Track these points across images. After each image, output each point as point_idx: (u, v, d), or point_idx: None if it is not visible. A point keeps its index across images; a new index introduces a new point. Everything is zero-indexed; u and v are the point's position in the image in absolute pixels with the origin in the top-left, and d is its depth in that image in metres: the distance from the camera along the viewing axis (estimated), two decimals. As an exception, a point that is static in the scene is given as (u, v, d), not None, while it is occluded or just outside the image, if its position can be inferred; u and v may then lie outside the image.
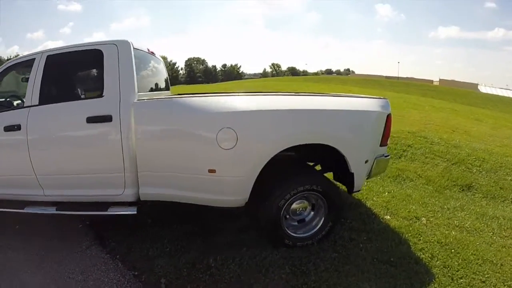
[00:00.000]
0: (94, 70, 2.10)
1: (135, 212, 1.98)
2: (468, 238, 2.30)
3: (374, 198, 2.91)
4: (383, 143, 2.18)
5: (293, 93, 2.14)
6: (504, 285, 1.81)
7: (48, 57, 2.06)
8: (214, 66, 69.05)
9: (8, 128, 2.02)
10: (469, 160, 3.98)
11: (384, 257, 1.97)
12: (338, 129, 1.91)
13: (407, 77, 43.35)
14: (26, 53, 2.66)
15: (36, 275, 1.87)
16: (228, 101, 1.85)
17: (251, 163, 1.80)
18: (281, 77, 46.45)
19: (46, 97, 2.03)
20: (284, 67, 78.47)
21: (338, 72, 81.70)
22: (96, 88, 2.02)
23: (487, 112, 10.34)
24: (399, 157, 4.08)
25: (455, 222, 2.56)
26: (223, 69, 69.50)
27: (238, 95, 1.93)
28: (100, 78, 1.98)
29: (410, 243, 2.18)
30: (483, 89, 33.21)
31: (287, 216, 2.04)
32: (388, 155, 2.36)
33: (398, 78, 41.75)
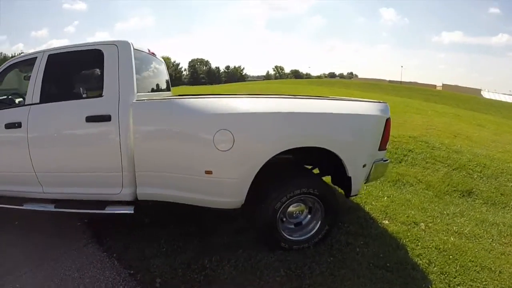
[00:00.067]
0: (95, 70, 2.12)
1: (132, 212, 1.98)
2: (467, 245, 2.27)
3: (373, 203, 2.88)
4: (382, 147, 2.16)
5: (291, 96, 2.13)
6: (502, 293, 1.78)
7: (50, 56, 2.08)
8: (218, 68, 69.13)
9: (9, 126, 2.04)
10: (470, 165, 3.94)
11: (381, 262, 1.95)
12: (336, 132, 1.90)
13: (410, 82, 43.15)
14: (31, 51, 2.70)
15: (33, 272, 1.87)
16: (225, 102, 1.86)
17: (247, 165, 1.79)
18: (284, 80, 46.35)
19: (46, 96, 2.05)
20: (287, 70, 78.48)
21: (341, 76, 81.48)
22: (96, 88, 2.03)
23: (489, 118, 10.22)
24: (400, 162, 4.05)
25: (454, 228, 2.53)
26: (226, 70, 69.40)
27: (236, 97, 1.93)
28: (100, 78, 1.99)
29: (408, 249, 2.15)
30: (486, 94, 32.92)
31: (284, 219, 2.03)
32: (387, 160, 2.33)
33: (401, 82, 41.57)
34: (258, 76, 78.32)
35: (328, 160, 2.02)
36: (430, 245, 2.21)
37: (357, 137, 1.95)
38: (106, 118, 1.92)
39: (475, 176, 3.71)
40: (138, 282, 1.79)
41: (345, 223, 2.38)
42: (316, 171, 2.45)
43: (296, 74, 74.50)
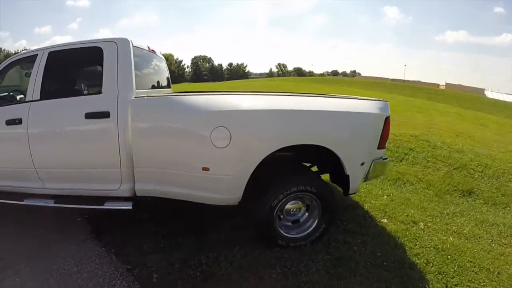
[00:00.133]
0: (94, 67, 2.11)
1: (131, 207, 1.97)
2: (466, 245, 2.23)
3: (372, 201, 2.84)
4: (381, 146, 2.12)
5: (289, 94, 2.10)
6: (500, 294, 1.75)
7: (50, 53, 2.08)
8: (220, 65, 68.42)
9: (10, 122, 2.05)
10: (471, 165, 3.88)
11: (378, 261, 1.92)
12: (334, 130, 1.87)
13: (413, 80, 42.61)
14: (34, 47, 2.70)
15: (33, 266, 1.88)
16: (223, 100, 1.84)
17: (244, 162, 1.78)
18: (286, 77, 46.03)
19: (47, 92, 2.05)
20: (290, 68, 77.70)
21: (344, 74, 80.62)
22: (95, 85, 2.03)
23: (492, 118, 10.06)
24: (400, 161, 4.00)
25: (454, 228, 2.49)
26: (229, 67, 68.69)
27: (233, 95, 1.91)
28: (99, 75, 1.98)
29: (406, 248, 2.12)
30: (489, 94, 32.41)
31: (281, 216, 2.01)
32: (386, 158, 2.30)
33: (404, 81, 41.08)
34: (261, 73, 77.89)
35: (326, 158, 1.99)
36: (428, 244, 2.18)
37: (355, 135, 1.92)
38: (105, 115, 1.91)
39: (476, 176, 3.65)
40: (135, 277, 1.79)
41: (344, 221, 2.36)
42: (314, 169, 2.42)
43: (299, 72, 73.71)
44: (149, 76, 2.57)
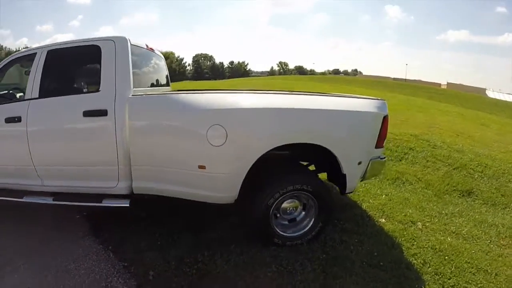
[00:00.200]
0: (92, 65, 2.10)
1: (128, 205, 1.96)
2: (464, 245, 2.20)
3: (371, 200, 2.81)
4: (379, 145, 2.08)
5: (287, 92, 2.07)
6: (498, 296, 1.72)
7: (49, 52, 2.07)
8: (222, 63, 67.42)
9: (9, 120, 2.04)
10: (471, 165, 3.82)
11: (374, 260, 1.90)
12: (330, 129, 1.84)
13: (414, 80, 42.20)
14: (35, 45, 2.68)
15: (31, 262, 1.88)
16: (219, 98, 1.81)
17: (240, 160, 1.75)
18: (287, 76, 45.63)
19: (45, 91, 2.04)
20: (291, 66, 76.83)
21: (345, 73, 79.72)
22: (93, 83, 2.01)
23: (493, 118, 9.91)
24: (400, 160, 3.95)
25: (452, 228, 2.45)
26: (230, 66, 67.74)
27: (230, 93, 1.88)
28: (97, 73, 1.97)
29: (403, 248, 2.09)
30: (491, 94, 32.00)
31: (278, 215, 1.99)
32: (384, 158, 2.26)
33: (405, 80, 40.71)
34: (262, 71, 77.06)
35: (323, 157, 1.96)
36: (426, 245, 2.15)
37: (352, 134, 1.89)
38: (102, 113, 1.90)
39: (476, 176, 3.60)
40: (132, 275, 1.78)
41: (341, 221, 2.33)
42: (312, 167, 2.39)
43: (300, 70, 72.91)
44: (148, 74, 2.55)
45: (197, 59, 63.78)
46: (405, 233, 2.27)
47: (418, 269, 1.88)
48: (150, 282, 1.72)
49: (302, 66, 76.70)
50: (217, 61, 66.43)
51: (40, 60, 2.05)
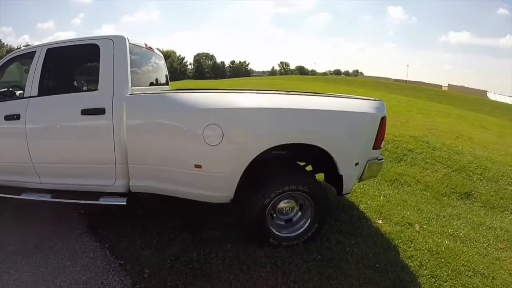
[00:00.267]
0: (91, 64, 2.08)
1: (125, 203, 1.95)
2: (461, 248, 2.16)
3: (368, 202, 2.78)
4: (377, 146, 2.05)
5: (284, 92, 2.05)
6: (494, 300, 1.68)
7: (48, 50, 2.06)
8: (223, 62, 66.31)
9: (8, 117, 2.04)
10: (470, 167, 3.77)
11: (370, 262, 1.87)
12: (327, 130, 1.81)
13: (415, 81, 41.91)
14: (36, 43, 2.67)
15: (29, 259, 1.88)
16: (215, 98, 1.79)
17: (236, 160, 1.74)
18: (288, 76, 45.29)
19: (44, 89, 2.03)
20: (292, 66, 75.96)
21: (346, 73, 78.99)
22: (92, 82, 2.00)
23: (494, 120, 9.81)
24: (399, 161, 3.91)
25: (450, 230, 2.41)
26: (231, 65, 66.75)
27: (227, 93, 1.86)
28: (96, 71, 1.95)
29: (400, 250, 2.06)
30: (491, 96, 31.62)
31: (274, 215, 1.96)
32: (382, 159, 2.23)
33: (406, 81, 40.42)
34: (263, 71, 76.43)
35: (320, 158, 1.93)
36: (423, 247, 2.12)
37: (349, 135, 1.86)
38: (100, 111, 1.88)
39: (475, 178, 3.55)
40: (128, 272, 1.77)
41: (338, 222, 2.30)
42: (309, 168, 2.36)
43: (301, 71, 72.05)
44: (147, 73, 2.53)
45: (198, 58, 62.82)
46: (402, 235, 2.24)
47: (414, 272, 1.85)
48: (145, 280, 1.71)
49: (303, 67, 76.05)
50: (218, 60, 65.64)
51: (40, 58, 2.04)
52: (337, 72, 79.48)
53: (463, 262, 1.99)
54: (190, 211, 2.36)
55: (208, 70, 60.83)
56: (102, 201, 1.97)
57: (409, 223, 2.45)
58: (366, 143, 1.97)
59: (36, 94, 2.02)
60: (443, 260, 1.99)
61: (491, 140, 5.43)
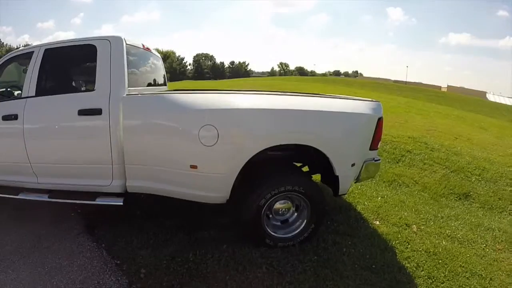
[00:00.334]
0: (88, 64, 2.07)
1: (121, 203, 1.94)
2: (459, 249, 2.14)
3: (366, 202, 2.76)
4: (373, 147, 2.04)
5: (280, 93, 2.03)
6: (491, 302, 1.66)
7: (46, 50, 2.05)
8: (222, 63, 65.52)
9: (6, 117, 2.03)
10: (469, 168, 3.74)
11: (366, 263, 1.85)
12: (322, 130, 1.79)
13: (415, 82, 41.79)
14: (36, 42, 2.67)
15: (26, 258, 1.87)
16: (211, 98, 1.78)
17: (231, 160, 1.72)
18: (287, 77, 45.09)
19: (42, 89, 2.03)
20: (292, 67, 75.28)
21: (346, 74, 78.58)
22: (89, 82, 2.00)
23: (493, 121, 9.76)
24: (397, 162, 3.89)
25: (447, 231, 2.39)
26: (231, 66, 66.09)
27: (223, 93, 1.85)
28: (93, 72, 1.95)
29: (396, 251, 2.04)
30: (491, 97, 31.47)
31: (270, 216, 1.95)
32: (379, 159, 2.21)
33: (406, 82, 40.31)
34: (262, 72, 75.84)
35: (317, 158, 1.91)
36: (420, 248, 2.09)
37: (345, 136, 1.84)
38: (97, 112, 1.88)
39: (473, 179, 3.52)
40: (124, 272, 1.76)
41: (335, 222, 2.29)
42: (306, 169, 2.34)
43: (300, 71, 71.44)
44: (145, 74, 2.53)
45: (198, 58, 62.14)
46: (399, 236, 2.21)
47: (411, 273, 1.83)
48: (141, 280, 1.70)
49: (302, 67, 75.55)
50: (218, 61, 64.96)
51: (37, 59, 2.04)
52: (337, 73, 79.16)
53: (461, 263, 1.97)
54: (186, 211, 2.35)
55: (207, 71, 60.16)
56: (99, 201, 1.96)
57: (406, 224, 2.42)
58: (362, 144, 1.95)
59: (34, 94, 2.02)
60: (440, 261, 1.96)
61: (490, 141, 5.39)
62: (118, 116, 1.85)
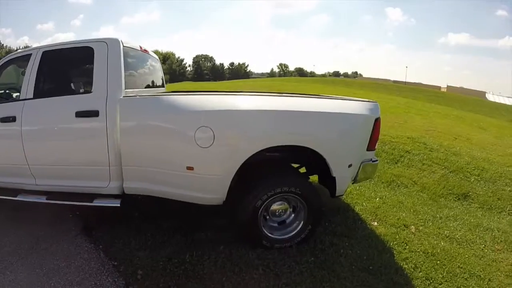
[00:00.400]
0: (86, 67, 2.07)
1: (119, 205, 1.93)
2: (457, 250, 2.11)
3: (364, 203, 2.73)
4: (371, 147, 2.02)
5: (276, 94, 2.02)
6: (490, 303, 1.63)
7: (44, 53, 2.05)
8: (222, 64, 65.15)
9: (4, 120, 2.03)
10: (468, 168, 3.71)
11: (364, 264, 1.83)
12: (319, 131, 1.78)
13: (414, 82, 41.65)
14: (35, 44, 2.66)
15: (24, 260, 1.87)
16: (207, 100, 1.77)
17: (227, 162, 1.71)
18: (287, 78, 44.92)
19: (40, 91, 2.03)
20: (292, 68, 74.73)
21: (345, 75, 78.15)
22: (86, 84, 2.00)
23: (492, 121, 9.69)
24: (396, 163, 3.86)
25: (446, 232, 2.36)
26: (230, 67, 65.77)
27: (219, 95, 1.84)
28: (90, 74, 1.95)
29: (394, 252, 2.02)
30: (490, 97, 31.27)
31: (267, 217, 1.93)
32: (377, 160, 2.19)
33: (405, 83, 40.17)
34: (262, 73, 75.36)
35: (314, 159, 1.90)
36: (418, 249, 2.07)
37: (342, 137, 1.83)
38: (94, 114, 1.87)
39: (472, 179, 3.49)
40: (121, 274, 1.75)
41: (332, 223, 2.26)
42: (303, 170, 2.33)
43: (300, 72, 70.83)
44: (143, 76, 2.52)
45: (198, 60, 61.66)
46: (397, 237, 2.19)
47: (409, 274, 1.81)
48: (138, 281, 1.69)
49: (302, 68, 75.04)
50: (218, 62, 64.58)
51: (35, 61, 2.04)
52: (336, 74, 78.81)
53: (459, 264, 1.94)
54: (184, 212, 2.33)
55: (207, 72, 59.58)
56: (96, 202, 1.95)
57: (404, 225, 2.40)
58: (359, 145, 1.93)
59: (32, 96, 2.02)
60: (438, 262, 1.94)
61: (489, 141, 5.35)
62: (115, 118, 1.85)
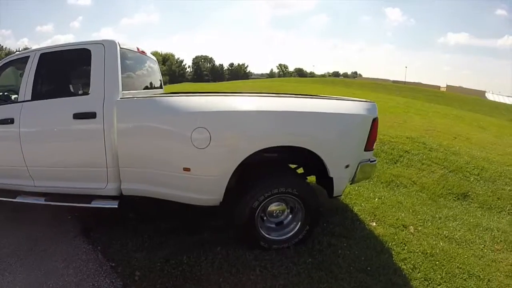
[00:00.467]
0: (83, 69, 2.07)
1: (116, 206, 1.92)
2: (456, 250, 2.08)
3: (363, 204, 2.71)
4: (368, 148, 1.99)
5: (273, 94, 2.00)
6: (489, 304, 1.61)
7: (42, 55, 2.05)
8: (221, 65, 64.35)
9: (2, 122, 2.03)
10: (467, 168, 3.67)
11: (362, 265, 1.80)
12: (316, 132, 1.76)
13: (414, 82, 41.44)
14: (35, 46, 2.66)
15: (23, 261, 1.86)
16: (203, 101, 1.76)
17: (224, 163, 1.70)
18: (287, 78, 44.78)
19: (38, 93, 2.02)
20: (291, 68, 74.20)
21: (345, 75, 77.64)
22: (83, 86, 1.99)
23: (492, 120, 9.62)
24: (395, 163, 3.83)
25: (445, 232, 2.33)
26: (230, 68, 65.09)
27: (215, 96, 1.83)
28: (87, 76, 1.94)
29: (393, 253, 1.99)
30: (490, 96, 31.07)
31: (264, 218, 1.91)
32: (375, 160, 2.16)
33: (405, 82, 40.01)
34: (262, 74, 74.51)
35: (311, 160, 1.88)
36: (417, 249, 2.04)
37: (339, 137, 1.81)
38: (91, 115, 1.86)
39: (472, 179, 3.45)
40: (119, 275, 1.74)
41: (330, 224, 2.24)
42: (301, 170, 2.31)
43: (300, 73, 70.26)
44: (141, 77, 2.51)
45: (197, 61, 61.12)
46: (396, 237, 2.17)
47: (407, 275, 1.78)
48: (135, 282, 1.68)
49: (301, 69, 74.47)
50: (217, 63, 63.92)
51: (33, 63, 2.03)
52: (336, 74, 78.38)
53: (458, 264, 1.92)
54: (181, 214, 2.32)
55: (206, 73, 59.03)
56: (94, 204, 1.94)
57: (403, 225, 2.37)
58: (357, 145, 1.91)
59: (30, 98, 2.01)
60: (437, 262, 1.91)
61: (489, 140, 5.31)
62: (112, 119, 1.84)
